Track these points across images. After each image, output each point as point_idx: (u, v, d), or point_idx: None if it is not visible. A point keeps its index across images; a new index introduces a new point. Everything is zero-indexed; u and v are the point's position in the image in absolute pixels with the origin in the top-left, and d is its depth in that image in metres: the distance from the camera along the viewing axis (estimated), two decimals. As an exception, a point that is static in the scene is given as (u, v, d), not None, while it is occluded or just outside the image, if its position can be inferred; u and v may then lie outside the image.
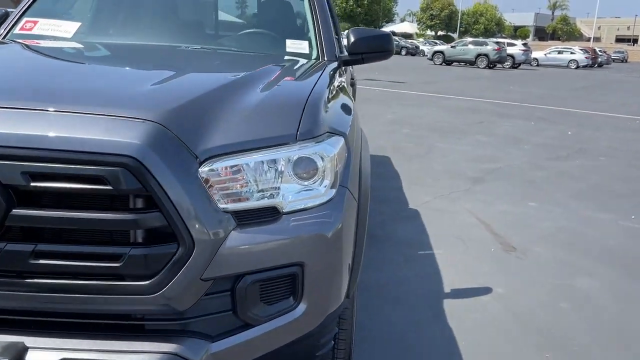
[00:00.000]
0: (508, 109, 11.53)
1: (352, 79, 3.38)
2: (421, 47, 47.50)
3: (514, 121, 9.78)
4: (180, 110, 1.32)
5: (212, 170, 1.29)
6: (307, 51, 2.44)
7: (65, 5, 2.68)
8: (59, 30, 2.39)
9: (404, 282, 3.08)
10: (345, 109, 1.89)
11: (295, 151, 1.40)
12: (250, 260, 1.31)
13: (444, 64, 31.81)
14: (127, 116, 1.25)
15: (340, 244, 1.45)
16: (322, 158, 1.43)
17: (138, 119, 1.25)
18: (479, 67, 30.41)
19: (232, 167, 1.32)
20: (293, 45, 2.42)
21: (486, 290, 3.03)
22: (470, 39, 35.20)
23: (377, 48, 2.55)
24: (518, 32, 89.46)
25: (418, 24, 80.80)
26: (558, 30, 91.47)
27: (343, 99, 1.99)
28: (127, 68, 1.79)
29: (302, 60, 2.33)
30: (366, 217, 1.70)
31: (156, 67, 1.87)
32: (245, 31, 2.66)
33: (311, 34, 2.50)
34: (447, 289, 3.02)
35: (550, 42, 73.16)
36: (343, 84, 2.32)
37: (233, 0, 2.77)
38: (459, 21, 77.25)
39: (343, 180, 1.52)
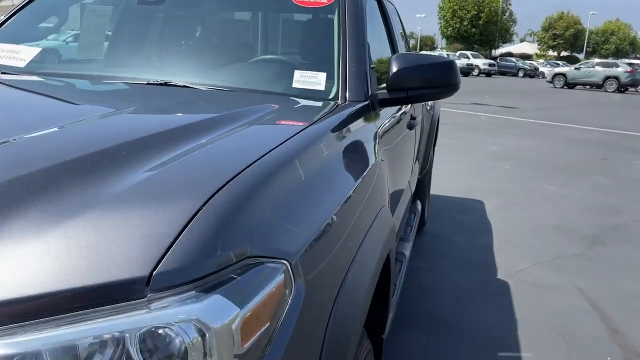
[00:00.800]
0: (640, 143, 9.80)
1: (413, 117, 2.56)
2: (541, 69, 44.28)
3: (647, 159, 8.18)
4: None
5: None
6: (321, 87, 1.69)
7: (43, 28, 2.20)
8: (15, 58, 1.89)
9: (469, 407, 2.18)
10: (335, 191, 1.13)
11: (142, 316, 0.67)
12: None
13: (565, 87, 29.12)
14: None
15: None
16: (200, 330, 0.68)
17: None
18: (607, 91, 27.42)
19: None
20: (303, 79, 1.70)
21: None
22: (597, 60, 32.06)
23: (430, 82, 1.75)
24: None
25: (539, 44, 76.04)
26: None
27: (342, 172, 1.24)
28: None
29: (303, 103, 1.60)
30: None
31: (29, 122, 1.22)
32: (252, 60, 1.96)
33: (335, 62, 1.76)
34: None
35: (695, 63, 64.95)
36: (365, 140, 1.55)
37: (240, 21, 2.10)
38: (585, 41, 71.57)
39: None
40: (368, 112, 1.69)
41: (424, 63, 1.76)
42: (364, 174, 1.36)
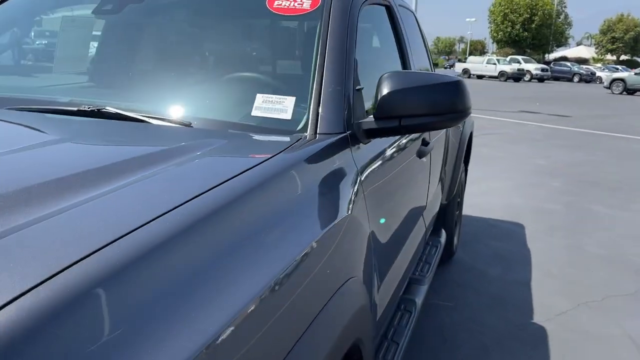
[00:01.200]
0: None
1: (426, 142, 2.17)
2: (598, 74, 42.18)
3: None
4: None
5: None
6: (287, 115, 1.34)
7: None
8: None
9: None
10: (256, 270, 0.79)
11: None
12: None
13: (624, 93, 27.50)
14: None
15: None
16: None
17: None
18: (670, 98, 25.70)
19: None
20: (265, 104, 1.35)
21: None
22: (660, 64, 30.11)
23: (430, 107, 1.38)
24: None
25: (597, 48, 72.73)
26: None
27: (279, 238, 0.90)
28: None
29: (257, 138, 1.27)
30: None
31: None
32: (205, 80, 1.59)
33: (310, 84, 1.41)
34: None
35: None
36: (334, 187, 1.20)
37: (199, 33, 1.72)
38: (647, 44, 67.85)
39: None
40: (345, 147, 1.33)
41: (422, 84, 1.39)
42: (319, 237, 1.01)
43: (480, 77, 38.55)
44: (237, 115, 1.40)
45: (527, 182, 6.42)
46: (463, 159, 3.58)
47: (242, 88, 1.51)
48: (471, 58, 45.85)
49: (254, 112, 1.36)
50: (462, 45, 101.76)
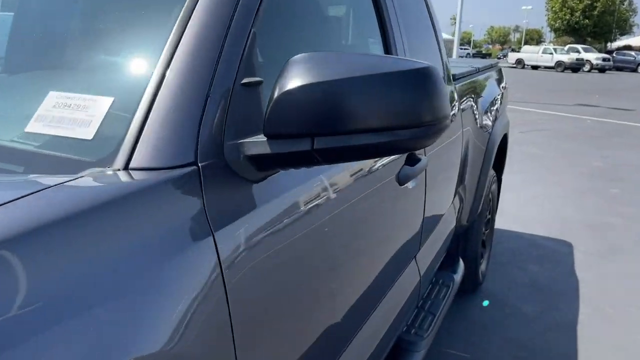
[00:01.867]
0: None
1: (414, 159, 1.48)
2: (666, 63, 39.20)
3: None
4: None
5: None
6: (87, 134, 0.72)
7: None
8: None
9: None
10: None
11: None
12: None
13: (696, 84, 25.26)
14: None
15: None
16: None
17: None
18: None
19: None
20: (56, 112, 0.74)
21: None
22: None
23: (372, 117, 0.73)
24: None
25: (664, 36, 68.13)
26: None
27: None
28: None
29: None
30: None
31: None
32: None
33: (150, 74, 0.78)
34: None
35: None
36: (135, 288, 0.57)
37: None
38: None
39: None
40: (190, 194, 0.69)
41: (359, 73, 0.73)
42: None
43: (535, 67, 36.58)
44: (13, 132, 0.79)
45: (579, 189, 5.54)
46: (492, 166, 2.85)
47: (26, 84, 0.90)
48: (525, 47, 43.57)
49: (32, 127, 0.74)
50: (517, 35, 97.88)
